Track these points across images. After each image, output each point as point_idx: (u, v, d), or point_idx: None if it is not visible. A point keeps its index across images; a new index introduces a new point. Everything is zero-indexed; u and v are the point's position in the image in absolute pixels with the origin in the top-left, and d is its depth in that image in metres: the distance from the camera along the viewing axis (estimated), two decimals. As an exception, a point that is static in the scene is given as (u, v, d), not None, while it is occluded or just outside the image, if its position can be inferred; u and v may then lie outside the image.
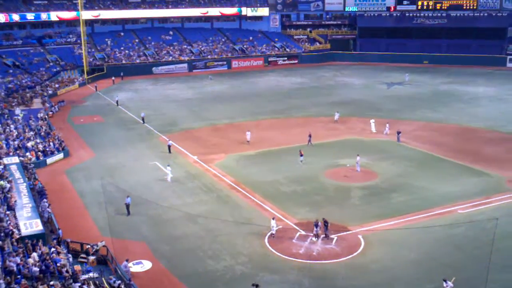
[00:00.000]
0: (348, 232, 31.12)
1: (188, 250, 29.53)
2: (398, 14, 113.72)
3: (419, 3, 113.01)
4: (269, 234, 30.71)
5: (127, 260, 26.95)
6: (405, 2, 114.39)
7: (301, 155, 43.49)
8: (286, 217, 33.42)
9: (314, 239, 29.92)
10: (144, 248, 29.87)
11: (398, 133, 50.08)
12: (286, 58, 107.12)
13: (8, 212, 31.07)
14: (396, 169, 42.23)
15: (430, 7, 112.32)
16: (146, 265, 27.88)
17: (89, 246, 28.62)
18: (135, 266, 27.61)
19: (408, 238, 30.26)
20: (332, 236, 30.49)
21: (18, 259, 25.40)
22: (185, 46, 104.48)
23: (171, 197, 37.30)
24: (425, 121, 58.08)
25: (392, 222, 32.43)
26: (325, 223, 30.33)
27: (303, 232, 31.04)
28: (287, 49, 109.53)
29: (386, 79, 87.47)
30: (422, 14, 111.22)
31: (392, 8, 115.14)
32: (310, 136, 49.50)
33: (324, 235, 30.22)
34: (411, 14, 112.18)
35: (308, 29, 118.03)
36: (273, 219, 31.39)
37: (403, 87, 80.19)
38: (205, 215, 33.99)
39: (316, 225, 29.87)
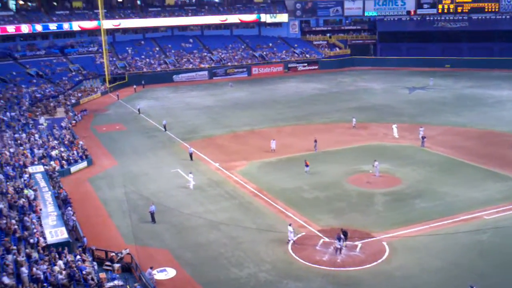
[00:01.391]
0: (372, 239, 30.86)
1: (212, 257, 29.57)
2: (419, 18, 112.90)
3: (440, 6, 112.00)
4: (290, 241, 30.57)
5: (151, 268, 27.10)
6: (425, 6, 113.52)
7: (307, 166, 42.93)
8: (309, 224, 33.27)
9: (339, 247, 29.61)
10: (168, 255, 29.99)
11: (423, 138, 49.59)
12: (306, 64, 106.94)
13: (34, 220, 31.52)
14: (420, 175, 41.76)
15: (451, 11, 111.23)
16: (170, 272, 27.96)
17: (113, 254, 28.83)
18: (159, 273, 27.71)
19: (433, 244, 29.93)
20: (356, 243, 30.27)
21: (44, 267, 25.72)
22: (205, 54, 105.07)
23: (193, 204, 37.42)
24: (448, 126, 57.39)
25: (417, 228, 32.07)
26: (344, 233, 29.95)
27: (326, 239, 30.86)
28: (307, 55, 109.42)
29: (408, 83, 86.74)
30: (443, 18, 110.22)
31: (412, 12, 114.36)
32: (316, 141, 49.35)
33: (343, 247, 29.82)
34: (431, 18, 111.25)
35: (328, 35, 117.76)
36: (289, 225, 31.30)
37: (425, 92, 79.40)
38: (228, 222, 34.06)
39: (339, 239, 29.48)
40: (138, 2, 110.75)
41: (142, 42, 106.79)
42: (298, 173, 42.76)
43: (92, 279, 25.51)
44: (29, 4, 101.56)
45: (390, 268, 27.76)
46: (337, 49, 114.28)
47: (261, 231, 32.62)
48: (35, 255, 27.18)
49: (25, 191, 35.69)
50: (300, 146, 50.45)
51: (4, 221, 30.08)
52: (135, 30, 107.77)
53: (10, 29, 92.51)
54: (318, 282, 26.74)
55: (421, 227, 32.23)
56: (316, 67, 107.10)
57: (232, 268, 28.34)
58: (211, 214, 35.53)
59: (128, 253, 28.88)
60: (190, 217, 35.02)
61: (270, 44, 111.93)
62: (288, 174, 42.99)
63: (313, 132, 54.68)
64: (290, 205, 36.60)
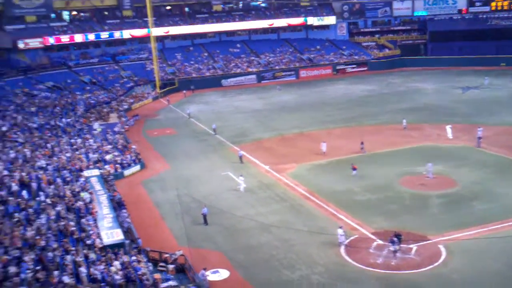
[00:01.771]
0: (427, 242, 30.10)
1: (264, 259, 29.59)
2: (471, 17, 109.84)
3: (493, 4, 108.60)
4: (342, 244, 30.23)
5: (204, 269, 27.33)
6: (477, 4, 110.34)
7: (354, 169, 42.17)
8: (361, 226, 32.81)
9: (393, 249, 29.02)
10: (221, 257, 30.20)
11: (479, 138, 48.07)
12: (355, 66, 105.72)
13: (90, 222, 32.40)
14: (476, 176, 40.48)
15: (505, 8, 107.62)
16: (223, 274, 28.13)
17: (167, 255, 29.25)
18: (212, 275, 27.90)
19: (492, 247, 28.93)
20: (411, 245, 29.60)
21: (101, 267, 26.39)
22: (253, 58, 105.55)
23: (244, 206, 37.57)
24: (504, 126, 55.36)
25: (474, 231, 31.09)
26: (398, 236, 29.21)
27: (380, 242, 30.33)
28: (356, 57, 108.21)
29: (460, 83, 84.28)
30: (496, 15, 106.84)
31: (464, 11, 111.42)
32: (362, 143, 48.62)
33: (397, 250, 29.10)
34: (484, 16, 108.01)
35: (377, 36, 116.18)
36: (340, 228, 30.94)
37: (480, 91, 76.99)
38: (279, 224, 33.99)
39: (392, 242, 28.90)
40: (186, 9, 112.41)
41: (191, 48, 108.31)
42: (348, 176, 42.21)
43: (147, 280, 25.97)
44: (82, 14, 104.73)
45: (447, 271, 27.02)
46: (387, 50, 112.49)
47: (312, 233, 32.39)
48: (92, 255, 27.92)
49: (82, 194, 36.77)
50: (350, 148, 49.81)
51: (63, 223, 31.09)
52: (184, 37, 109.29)
53: (64, 39, 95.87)
54: (372, 285, 26.36)
55: (479, 229, 31.23)
56: (365, 68, 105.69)
57: (284, 270, 28.25)
58: (262, 216, 35.56)
59: (181, 255, 29.25)
60: (241, 219, 35.17)
61: (318, 47, 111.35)
62: (338, 177, 42.56)
63: (363, 134, 53.89)
64: (341, 207, 36.20)
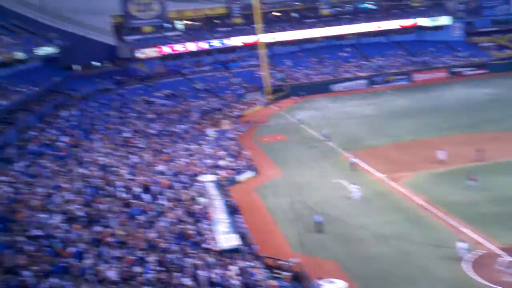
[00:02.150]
0: None
1: (381, 271, 28.59)
2: None
3: None
4: (465, 259, 28.46)
5: (319, 279, 26.93)
6: None
7: (471, 180, 39.27)
8: (488, 241, 30.64)
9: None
10: (335, 266, 29.62)
11: None
12: (474, 68, 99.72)
13: (207, 226, 33.24)
14: None
15: None
16: (339, 284, 27.47)
17: (283, 262, 29.18)
18: (328, 285, 27.38)
19: None
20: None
21: (219, 271, 26.88)
22: (363, 62, 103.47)
23: (358, 215, 36.69)
24: None
25: None
26: None
27: (510, 258, 28.10)
28: (473, 58, 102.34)
29: None
30: None
31: None
32: (479, 151, 45.44)
33: None
34: None
35: (496, 35, 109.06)
36: (462, 241, 29.18)
37: None
38: (396, 235, 32.78)
39: None
40: (294, 15, 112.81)
41: (299, 53, 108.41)
42: (470, 186, 39.71)
43: (262, 286, 26.03)
44: (195, 23, 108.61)
45: None
46: (508, 50, 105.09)
47: (432, 246, 30.85)
48: (209, 259, 28.54)
49: (198, 199, 37.88)
50: (470, 156, 46.77)
51: (182, 226, 32.16)
52: (292, 42, 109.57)
53: (178, 47, 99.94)
54: (502, 305, 24.52)
55: None
56: (485, 70, 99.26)
57: (403, 283, 27.15)
58: (377, 226, 34.46)
59: (297, 262, 29.03)
60: (355, 228, 34.37)
61: (431, 49, 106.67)
62: (458, 187, 40.07)
63: (484, 141, 50.44)
64: (463, 219, 34.05)
